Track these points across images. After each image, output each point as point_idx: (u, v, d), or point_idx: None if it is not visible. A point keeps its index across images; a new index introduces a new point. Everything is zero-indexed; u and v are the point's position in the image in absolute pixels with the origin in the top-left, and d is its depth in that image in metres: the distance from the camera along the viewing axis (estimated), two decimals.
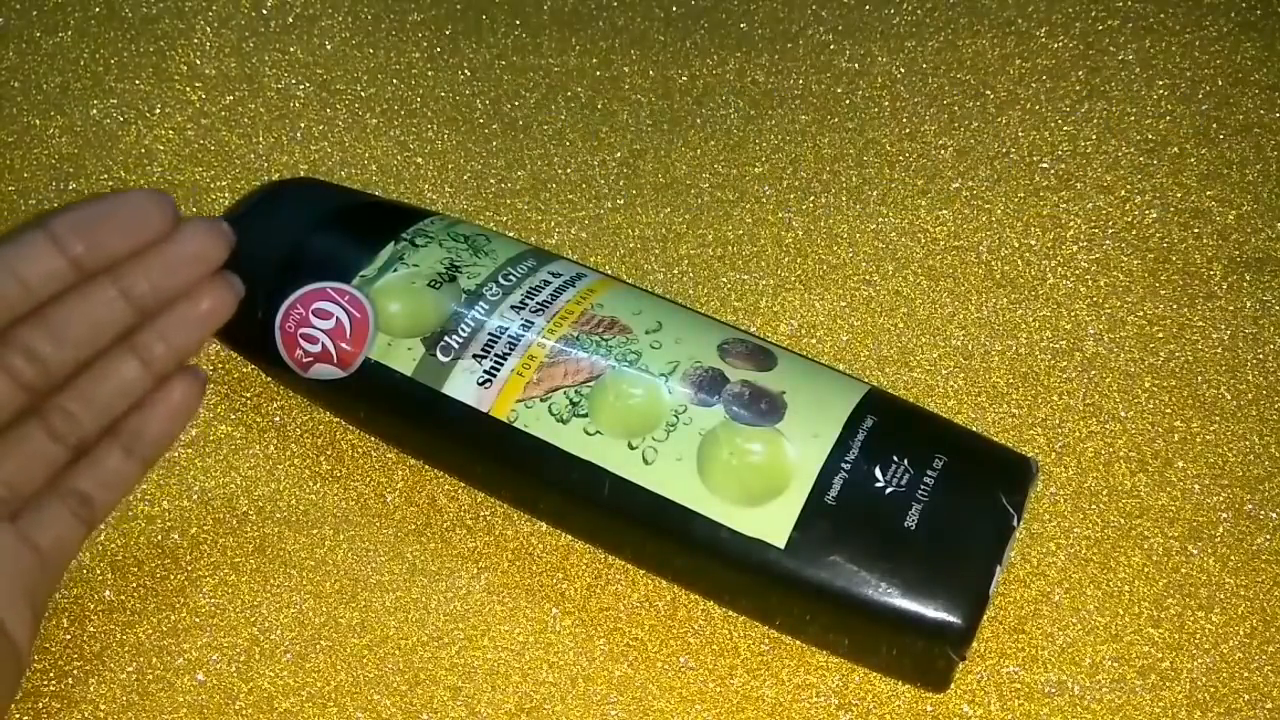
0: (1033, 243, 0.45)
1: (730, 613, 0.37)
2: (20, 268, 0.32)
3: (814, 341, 0.43)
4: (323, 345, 0.37)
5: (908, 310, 0.43)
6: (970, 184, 0.47)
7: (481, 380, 0.35)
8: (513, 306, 0.37)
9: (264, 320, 0.37)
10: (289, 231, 0.39)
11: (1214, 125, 0.48)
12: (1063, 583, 0.37)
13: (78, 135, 0.48)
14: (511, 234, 0.45)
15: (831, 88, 0.50)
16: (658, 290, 0.44)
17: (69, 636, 0.37)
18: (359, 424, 0.40)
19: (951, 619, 0.32)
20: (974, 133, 0.48)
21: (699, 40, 0.51)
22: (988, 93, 0.49)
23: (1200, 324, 0.43)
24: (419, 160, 0.48)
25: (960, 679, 0.36)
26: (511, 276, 0.38)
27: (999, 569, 0.32)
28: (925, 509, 0.32)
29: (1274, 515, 0.39)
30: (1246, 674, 0.36)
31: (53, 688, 0.36)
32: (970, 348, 0.43)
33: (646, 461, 0.34)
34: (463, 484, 0.39)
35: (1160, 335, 0.43)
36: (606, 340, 0.36)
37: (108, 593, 0.38)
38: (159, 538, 0.39)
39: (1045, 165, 0.47)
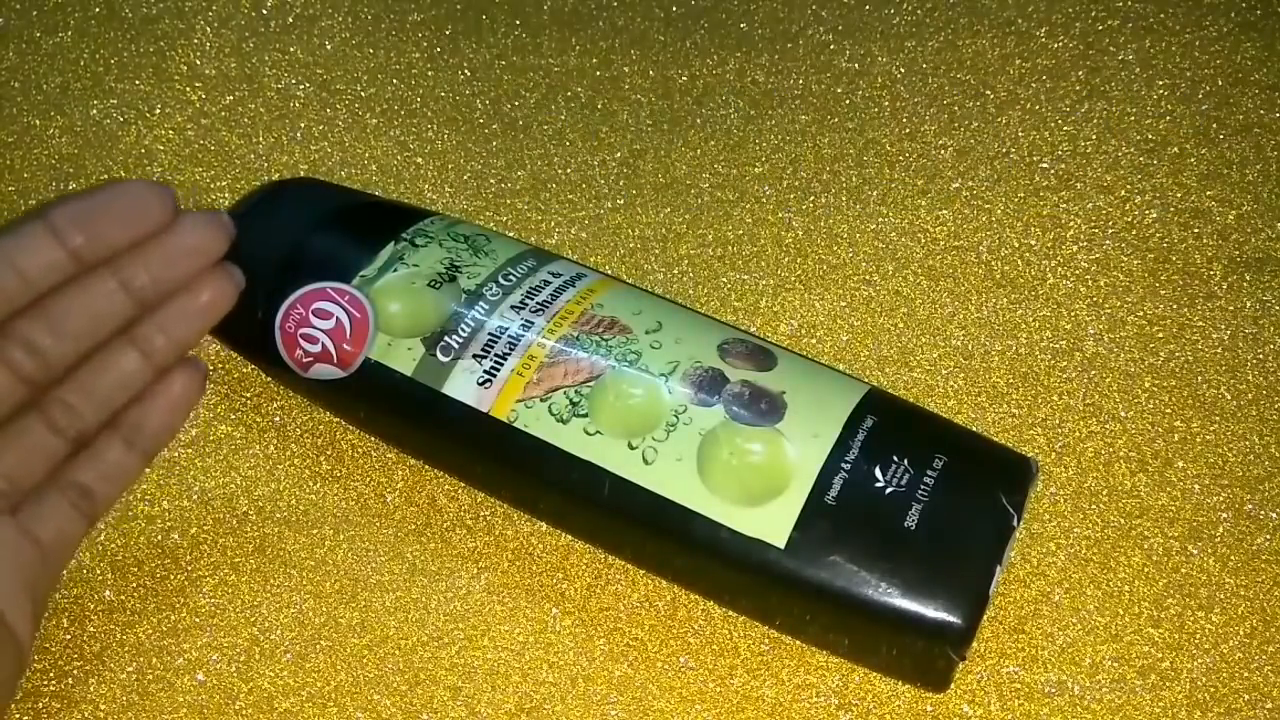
0: (1033, 243, 0.45)
1: (730, 613, 0.37)
2: (19, 259, 0.32)
3: (814, 341, 0.43)
4: (323, 345, 0.37)
5: (908, 310, 0.43)
6: (970, 184, 0.47)
7: (481, 380, 0.35)
8: (513, 306, 0.37)
9: (264, 320, 0.37)
10: (289, 231, 0.39)
11: (1214, 125, 0.48)
12: (1063, 583, 0.37)
13: (78, 135, 0.48)
14: (511, 234, 0.45)
15: (831, 88, 0.50)
16: (658, 290, 0.44)
17: (69, 636, 0.37)
18: (359, 424, 0.40)
19: (951, 619, 0.32)
20: (974, 133, 0.48)
21: (699, 40, 0.51)
22: (988, 93, 0.49)
23: (1200, 324, 0.43)
24: (419, 160, 0.48)
25: (960, 679, 0.36)
26: (511, 276, 0.38)
27: (999, 569, 0.32)
28: (925, 509, 0.32)
29: (1274, 515, 0.39)
30: (1246, 674, 0.36)
31: (53, 688, 0.36)
32: (970, 348, 0.43)
33: (646, 461, 0.34)
34: (463, 484, 0.39)
35: (1160, 335, 0.43)
36: (606, 340, 0.36)
37: (108, 593, 0.38)
38: (159, 538, 0.39)
39: (1045, 165, 0.47)
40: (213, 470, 0.40)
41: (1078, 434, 0.40)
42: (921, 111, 0.49)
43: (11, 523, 0.32)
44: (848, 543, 0.32)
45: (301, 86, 0.50)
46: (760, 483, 0.33)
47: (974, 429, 0.38)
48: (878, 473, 0.33)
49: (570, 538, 0.38)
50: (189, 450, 0.40)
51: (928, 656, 0.33)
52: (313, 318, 0.37)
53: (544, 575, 0.38)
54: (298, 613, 0.37)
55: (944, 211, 0.46)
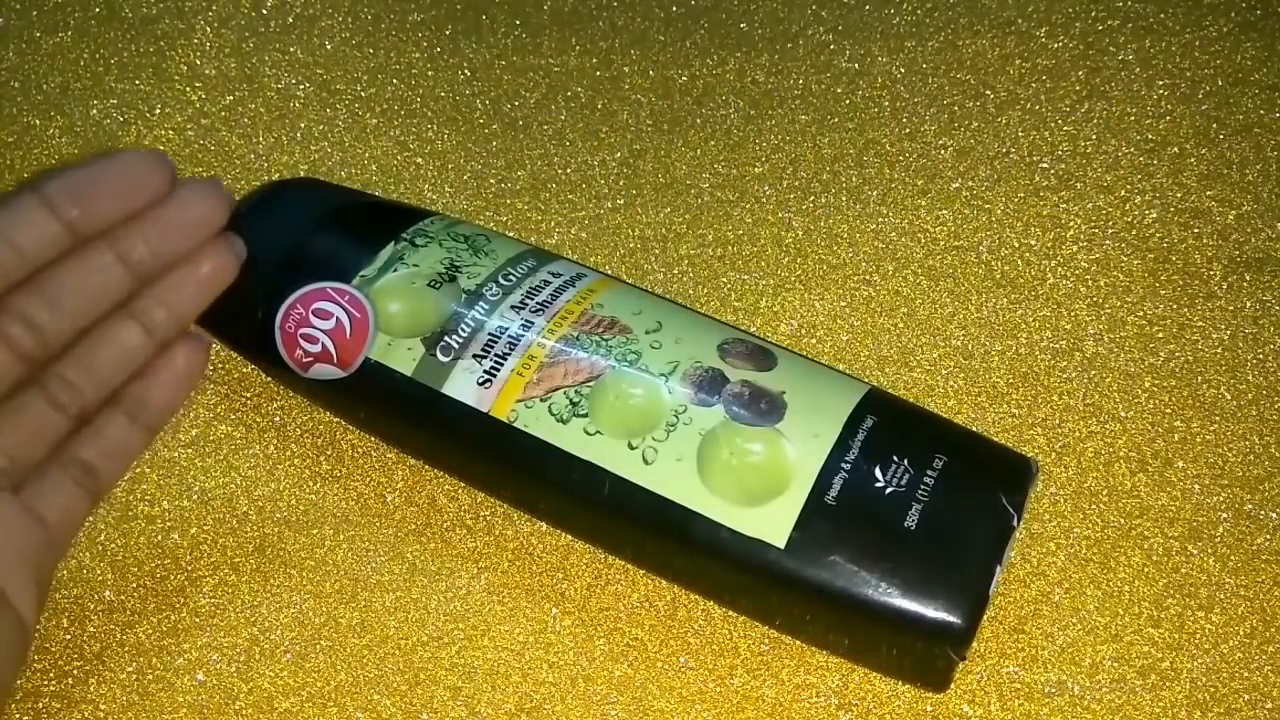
0: (1033, 243, 0.45)
1: (730, 613, 0.37)
2: (13, 233, 0.31)
3: (814, 341, 0.43)
4: (323, 345, 0.37)
5: (908, 310, 0.43)
6: (970, 184, 0.47)
7: (481, 380, 0.35)
8: (513, 306, 0.37)
9: (264, 320, 0.37)
10: (289, 231, 0.39)
11: (1214, 125, 0.48)
12: (1063, 583, 0.37)
13: (78, 135, 0.48)
14: (511, 234, 0.45)
15: (831, 88, 0.50)
16: (658, 290, 0.44)
17: (69, 636, 0.37)
18: (359, 424, 0.40)
19: (951, 619, 0.32)
20: (974, 133, 0.48)
21: (699, 40, 0.51)
22: (988, 93, 0.49)
23: (1200, 324, 0.43)
24: (419, 160, 0.48)
25: (960, 679, 0.36)
26: (511, 276, 0.38)
27: (999, 569, 0.32)
28: (925, 509, 0.32)
29: (1274, 515, 0.39)
30: (1246, 674, 0.36)
31: (53, 688, 0.36)
32: (970, 348, 0.43)
33: (646, 461, 0.34)
34: (463, 484, 0.39)
35: (1160, 335, 0.43)
36: (606, 340, 0.36)
37: (108, 593, 0.38)
38: (159, 538, 0.39)
39: (1045, 165, 0.47)
40: (213, 470, 0.40)
41: (1078, 434, 0.40)
42: (921, 111, 0.49)
43: (14, 501, 0.32)
44: (848, 543, 0.32)
45: (301, 86, 0.50)
46: (760, 483, 0.33)
47: (974, 429, 0.38)
48: (878, 473, 0.33)
49: (570, 538, 0.38)
50: (189, 450, 0.40)
51: (928, 656, 0.33)
52: (313, 318, 0.37)
53: (544, 575, 0.38)
54: (298, 613, 0.37)
55: (944, 211, 0.46)
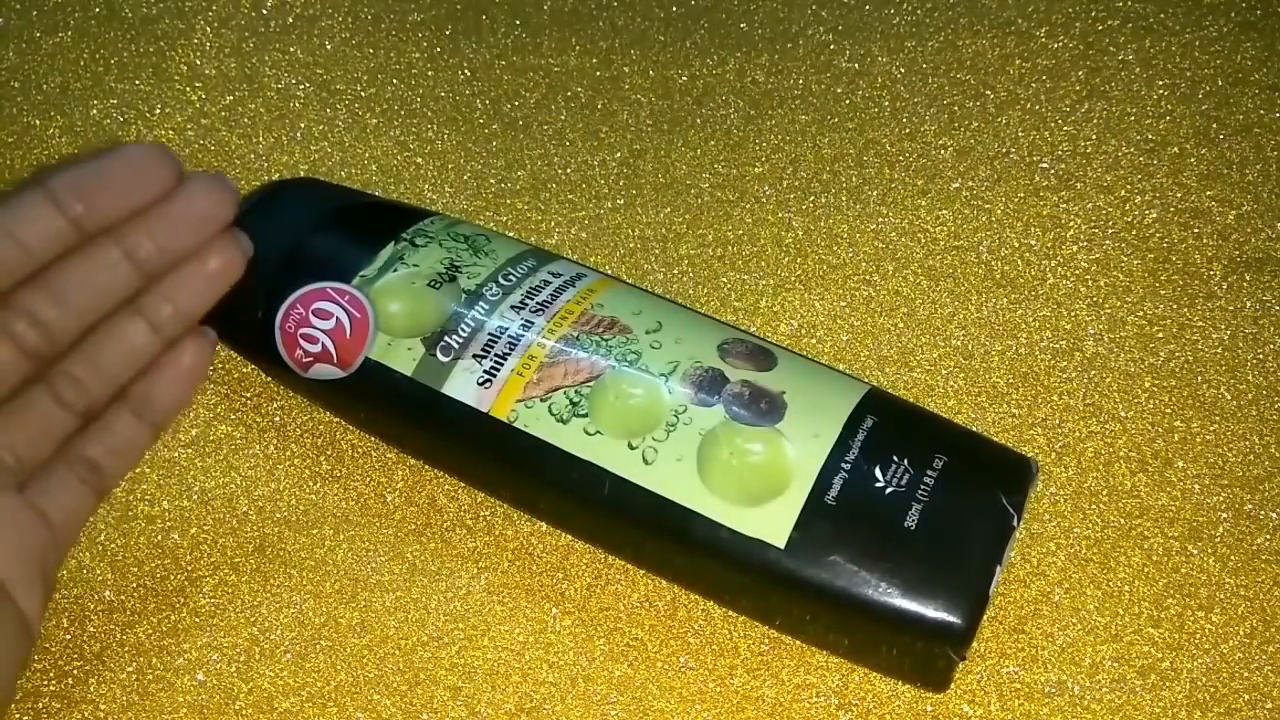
0: (1033, 243, 0.45)
1: (730, 613, 0.37)
2: (18, 229, 0.31)
3: (814, 341, 0.43)
4: (323, 345, 0.37)
5: (908, 310, 0.43)
6: (970, 184, 0.47)
7: (481, 380, 0.35)
8: (513, 306, 0.37)
9: (264, 320, 0.37)
10: (289, 231, 0.39)
11: (1214, 125, 0.48)
12: (1063, 583, 0.37)
13: (78, 135, 0.48)
14: (511, 234, 0.45)
15: (831, 88, 0.50)
16: (658, 290, 0.44)
17: (69, 636, 0.37)
18: (359, 424, 0.40)
19: (951, 619, 0.32)
20: (974, 133, 0.48)
21: (699, 40, 0.51)
22: (988, 93, 0.49)
23: (1200, 324, 0.43)
24: (419, 160, 0.48)
25: (960, 679, 0.36)
26: (511, 276, 0.38)
27: (999, 569, 0.32)
28: (925, 509, 0.32)
29: (1274, 515, 0.39)
30: (1246, 674, 0.36)
31: (53, 688, 0.36)
32: (970, 348, 0.43)
33: (646, 461, 0.34)
34: (463, 484, 0.39)
35: (1160, 335, 0.43)
36: (606, 340, 0.36)
37: (108, 593, 0.38)
38: (159, 538, 0.39)
39: (1045, 165, 0.47)
40: (213, 470, 0.40)
41: (1078, 434, 0.40)
42: (921, 111, 0.49)
43: (19, 499, 0.32)
44: (848, 543, 0.32)
45: (301, 86, 0.50)
46: (760, 483, 0.33)
47: (974, 429, 0.38)
48: (878, 473, 0.33)
49: (570, 538, 0.38)
50: (189, 450, 0.40)
51: (928, 656, 0.33)
52: (313, 318, 0.37)
53: (544, 575, 0.38)
54: (298, 613, 0.37)
55: (944, 211, 0.46)
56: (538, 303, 0.37)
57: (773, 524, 0.33)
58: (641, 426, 0.34)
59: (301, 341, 0.37)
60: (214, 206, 0.33)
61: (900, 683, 0.35)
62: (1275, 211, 0.45)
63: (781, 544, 0.32)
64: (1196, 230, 0.45)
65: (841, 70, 0.50)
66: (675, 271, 0.45)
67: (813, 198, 0.47)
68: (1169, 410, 0.41)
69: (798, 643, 0.36)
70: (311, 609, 0.37)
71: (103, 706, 0.35)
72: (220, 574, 0.38)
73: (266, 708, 0.35)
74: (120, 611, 0.37)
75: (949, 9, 0.52)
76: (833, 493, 0.33)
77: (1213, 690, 0.35)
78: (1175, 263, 0.44)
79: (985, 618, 0.33)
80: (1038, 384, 0.42)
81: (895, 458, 0.33)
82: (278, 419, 0.41)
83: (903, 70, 0.50)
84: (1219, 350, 0.42)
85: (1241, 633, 0.36)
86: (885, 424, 0.34)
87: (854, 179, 0.47)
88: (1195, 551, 0.38)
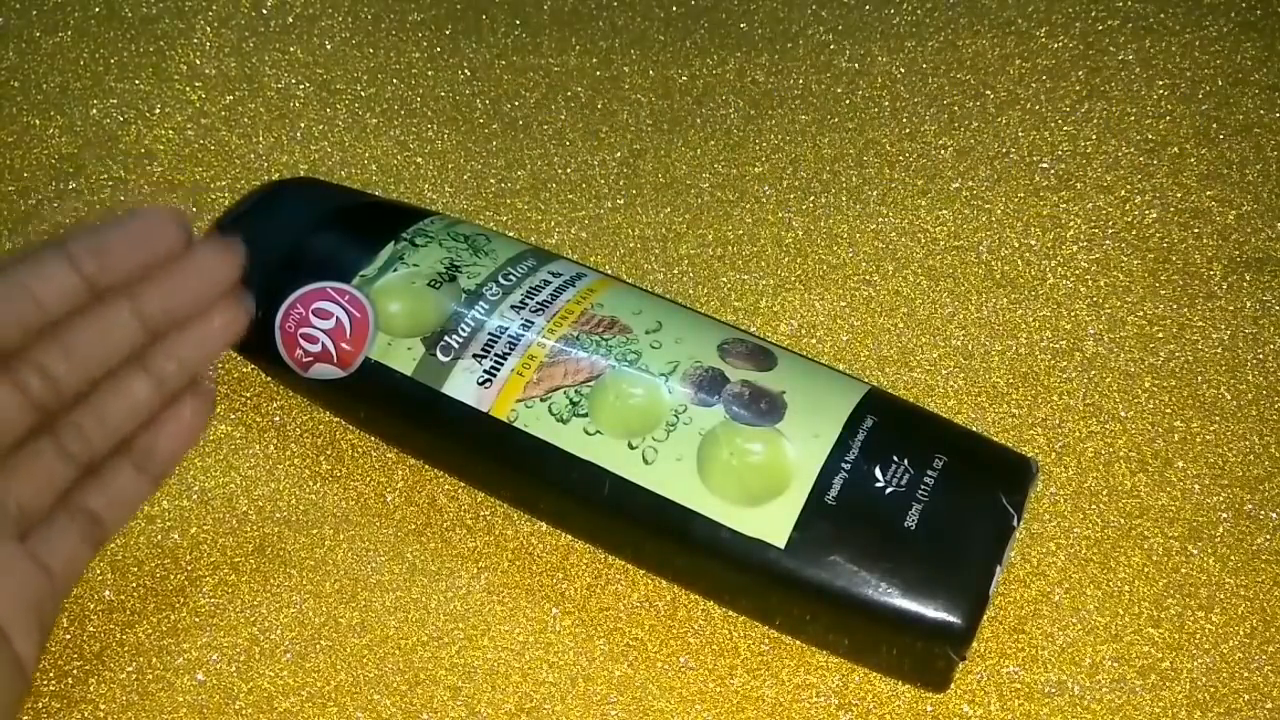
0: (1033, 243, 0.45)
1: (730, 613, 0.37)
2: (36, 286, 0.32)
3: (814, 341, 0.43)
4: (323, 345, 0.37)
5: (908, 310, 0.43)
6: (970, 184, 0.47)
7: (481, 380, 0.35)
8: (513, 306, 0.37)
9: (264, 320, 0.37)
10: (289, 231, 0.39)
11: (1214, 125, 0.48)
12: (1063, 583, 0.37)
13: (78, 135, 0.48)
14: (511, 234, 0.45)
15: (831, 88, 0.50)
16: (658, 290, 0.44)
17: (69, 636, 0.37)
18: (359, 424, 0.40)
19: (951, 619, 0.32)
20: (974, 133, 0.48)
21: (699, 40, 0.51)
22: (988, 93, 0.49)
23: (1200, 324, 0.43)
24: (419, 160, 0.48)
25: (960, 679, 0.36)
26: (511, 276, 0.38)
27: (999, 569, 0.32)
28: (925, 509, 0.32)
29: (1274, 515, 0.39)
30: (1246, 674, 0.36)
31: (53, 688, 0.36)
32: (970, 348, 0.43)
33: (646, 461, 0.34)
34: (463, 484, 0.39)
35: (1160, 335, 0.43)
36: (606, 340, 0.36)
37: (108, 593, 0.38)
38: (159, 538, 0.39)
39: (1045, 165, 0.47)
40: (213, 470, 0.40)
41: (1078, 434, 0.40)
42: (921, 111, 0.49)
43: (20, 549, 0.32)
44: (848, 543, 0.32)
45: (301, 86, 0.50)
46: (760, 483, 0.33)
47: (974, 429, 0.38)
48: (878, 473, 0.33)
49: (570, 538, 0.38)
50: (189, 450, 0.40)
51: (928, 656, 0.33)
52: (313, 317, 0.37)
53: (544, 575, 0.38)
54: (298, 613, 0.37)
55: (944, 211, 0.46)
56: (538, 302, 0.37)
57: (773, 524, 0.33)
58: (641, 426, 0.34)
59: (301, 341, 0.37)
60: (220, 269, 0.34)
61: (900, 683, 0.35)
62: (1275, 211, 0.45)
63: (781, 544, 0.32)
64: (1196, 230, 0.45)
65: (841, 70, 0.50)
66: (675, 271, 0.45)
67: (813, 198, 0.47)
68: (1169, 410, 0.41)
69: (798, 643, 0.36)
70: (311, 609, 0.37)
71: (103, 706, 0.35)
72: (220, 574, 0.38)
73: (266, 708, 0.35)
74: (120, 611, 0.37)
75: (949, 9, 0.52)
76: (833, 493, 0.33)
77: (1213, 690, 0.35)
78: (1175, 263, 0.44)
79: (985, 618, 0.33)
80: (1038, 384, 0.42)
81: (895, 458, 0.33)
82: (278, 419, 0.41)
83: (903, 70, 0.50)
84: (1219, 350, 0.42)
85: (1241, 633, 0.36)
86: (885, 424, 0.34)
87: (854, 179, 0.47)
88: (1195, 551, 0.38)
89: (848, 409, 0.34)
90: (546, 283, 0.38)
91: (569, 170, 0.48)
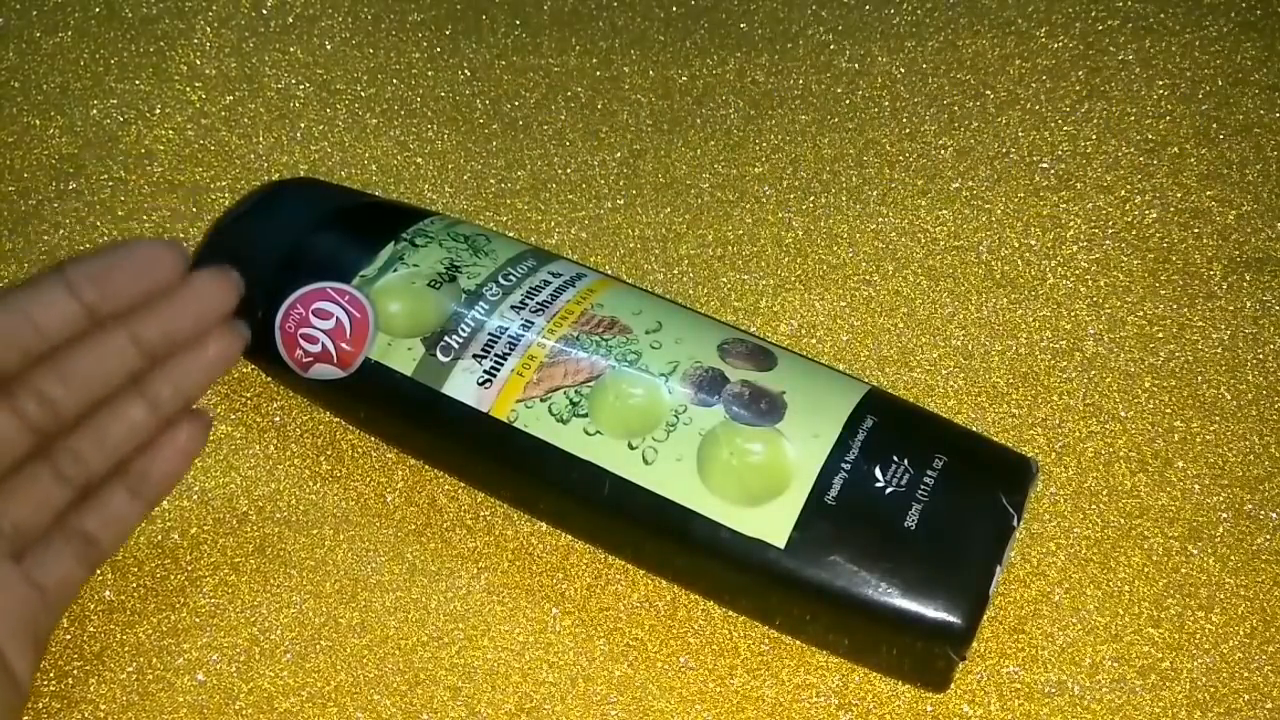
0: (1033, 243, 0.45)
1: (730, 613, 0.37)
2: (36, 313, 0.33)
3: (814, 341, 0.43)
4: (323, 345, 0.37)
5: (908, 310, 0.43)
6: (970, 184, 0.47)
7: (481, 380, 0.35)
8: (513, 306, 0.37)
9: (264, 320, 0.37)
10: (289, 231, 0.39)
11: (1214, 125, 0.48)
12: (1063, 583, 0.37)
13: (78, 135, 0.48)
14: (511, 234, 0.45)
15: (831, 88, 0.50)
16: (658, 290, 0.44)
17: (69, 636, 0.37)
18: (359, 424, 0.40)
19: (951, 619, 0.32)
20: (974, 133, 0.48)
21: (699, 40, 0.51)
22: (988, 93, 0.49)
23: (1200, 324, 0.43)
24: (419, 160, 0.48)
25: (960, 679, 0.36)
26: (511, 276, 0.38)
27: (999, 569, 0.32)
28: (925, 509, 0.32)
29: (1274, 515, 0.39)
30: (1246, 674, 0.36)
31: (53, 688, 0.36)
32: (970, 348, 0.43)
33: (646, 461, 0.34)
34: (463, 484, 0.39)
35: (1160, 335, 0.43)
36: (606, 340, 0.36)
37: (108, 593, 0.38)
38: (159, 538, 0.39)
39: (1045, 165, 0.47)
40: (213, 470, 0.40)
41: (1078, 434, 0.40)
42: (921, 111, 0.49)
43: (16, 570, 0.33)
44: (848, 543, 0.32)
45: (301, 86, 0.50)
46: (760, 483, 0.33)
47: (974, 429, 0.38)
48: (878, 473, 0.33)
49: (570, 538, 0.38)
50: None
51: (928, 656, 0.33)
52: (313, 318, 0.37)
53: (544, 575, 0.38)
54: (298, 613, 0.37)
55: (944, 211, 0.46)
56: (538, 303, 0.37)
57: (773, 524, 0.33)
58: (641, 426, 0.34)
59: (301, 341, 0.37)
60: (216, 297, 0.35)
61: (900, 683, 0.35)
62: (1275, 211, 0.45)
63: (781, 544, 0.32)
64: (1196, 230, 0.45)
65: (841, 70, 0.50)
66: (675, 271, 0.45)
67: (813, 198, 0.47)
68: (1169, 410, 0.41)
69: (798, 643, 0.36)
70: (311, 609, 0.37)
71: (103, 706, 0.35)
72: (220, 574, 0.38)
73: (266, 708, 0.35)
74: (120, 611, 0.37)
75: (949, 9, 0.52)
76: (833, 493, 0.33)
77: (1213, 690, 0.35)
78: (1175, 263, 0.44)
79: (985, 618, 0.33)
80: (1038, 384, 0.42)
81: (895, 458, 0.33)
82: (278, 419, 0.41)
83: (903, 70, 0.50)
84: (1219, 350, 0.42)
85: (1241, 633, 0.36)
86: (885, 424, 0.34)
87: (854, 179, 0.47)
88: (1195, 551, 0.38)
89: (848, 409, 0.34)
90: (546, 283, 0.37)
91: (569, 170, 0.48)
